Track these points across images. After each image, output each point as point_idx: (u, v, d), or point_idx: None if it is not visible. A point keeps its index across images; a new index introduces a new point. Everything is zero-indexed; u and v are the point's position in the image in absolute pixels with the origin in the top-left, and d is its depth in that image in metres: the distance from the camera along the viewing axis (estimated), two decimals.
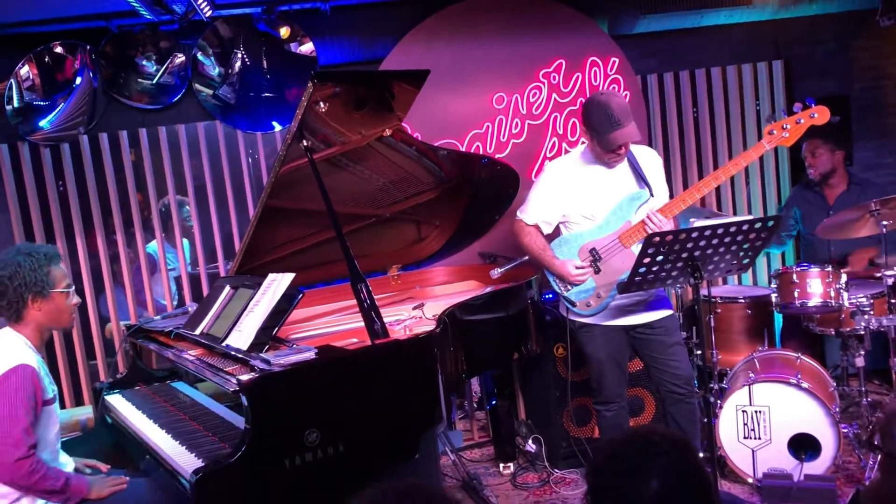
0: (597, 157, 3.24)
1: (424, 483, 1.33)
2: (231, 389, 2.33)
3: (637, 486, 1.41)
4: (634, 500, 1.41)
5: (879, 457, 1.59)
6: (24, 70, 4.30)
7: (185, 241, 4.80)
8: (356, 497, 1.28)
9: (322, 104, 2.87)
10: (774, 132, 3.18)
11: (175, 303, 4.71)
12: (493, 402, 4.39)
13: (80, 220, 4.53)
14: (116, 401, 3.24)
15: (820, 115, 3.15)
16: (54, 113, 4.36)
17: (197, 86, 4.53)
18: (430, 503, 1.28)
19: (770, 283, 4.10)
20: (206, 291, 4.48)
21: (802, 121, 3.16)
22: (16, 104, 4.30)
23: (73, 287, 2.73)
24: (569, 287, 3.30)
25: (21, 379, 2.46)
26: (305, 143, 2.91)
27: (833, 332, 4.00)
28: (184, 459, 2.44)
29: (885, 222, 3.68)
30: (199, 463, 2.36)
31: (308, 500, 2.33)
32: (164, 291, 4.71)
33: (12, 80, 4.27)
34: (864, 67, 5.32)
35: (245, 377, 2.32)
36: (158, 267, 4.68)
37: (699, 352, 4.05)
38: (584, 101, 3.29)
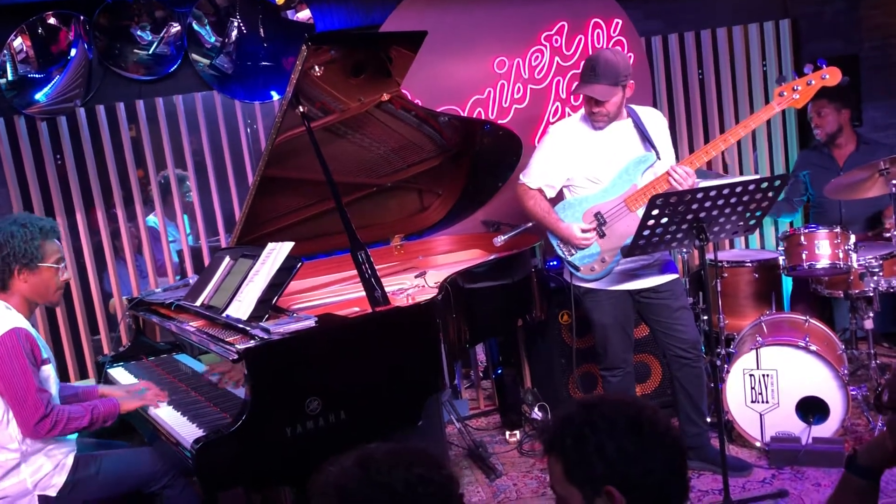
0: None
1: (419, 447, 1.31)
2: (231, 358, 2.31)
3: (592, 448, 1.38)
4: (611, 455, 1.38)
5: (889, 416, 1.56)
6: (18, 42, 4.23)
7: (185, 216, 4.76)
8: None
9: (318, 69, 2.82)
10: (785, 94, 3.12)
11: (178, 276, 4.68)
12: (499, 371, 4.38)
13: (79, 194, 4.48)
14: (119, 374, 3.24)
15: (832, 76, 3.09)
16: (50, 85, 4.30)
17: (193, 56, 4.45)
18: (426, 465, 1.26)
19: (777, 246, 4.05)
20: (207, 264, 4.45)
21: (813, 82, 3.10)
22: (10, 77, 4.23)
23: (64, 263, 2.72)
24: (573, 251, 3.26)
25: (17, 341, 2.46)
26: (302, 110, 2.86)
27: (842, 295, 3.96)
28: (185, 430, 2.43)
29: (894, 181, 3.61)
30: (200, 433, 2.35)
31: (310, 468, 2.30)
32: (165, 264, 4.68)
33: (6, 53, 4.21)
34: (874, 26, 5.19)
35: (244, 346, 2.30)
36: (160, 239, 4.65)
37: (706, 317, 4.01)
38: None
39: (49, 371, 2.59)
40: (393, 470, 1.23)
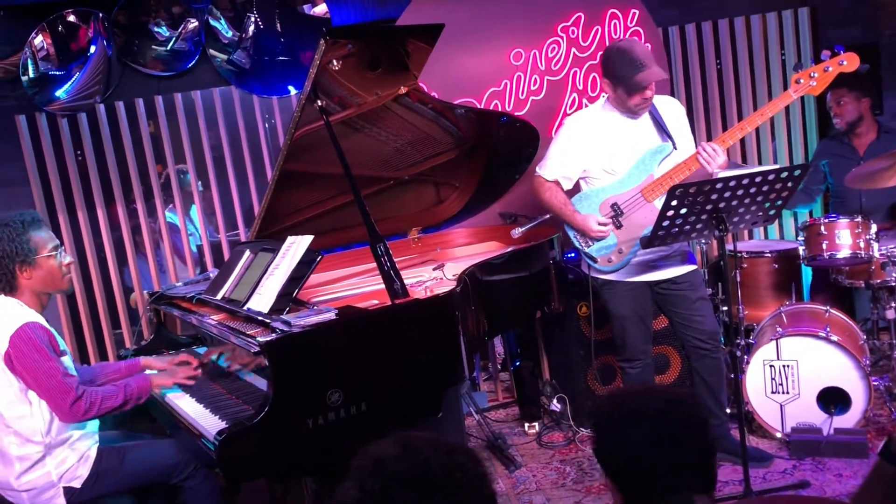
0: (621, 108, 3.17)
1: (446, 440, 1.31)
2: (253, 351, 2.33)
3: (636, 431, 1.42)
4: (634, 445, 1.42)
5: None
6: (38, 40, 4.28)
7: (193, 206, 4.80)
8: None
9: (335, 63, 2.83)
10: (802, 81, 3.09)
11: (198, 270, 4.72)
12: (518, 363, 4.39)
13: (100, 190, 4.54)
14: None
15: (849, 62, 3.05)
16: (70, 82, 4.35)
17: (211, 51, 4.48)
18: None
19: (797, 236, 4.02)
20: (227, 258, 4.48)
21: (831, 69, 3.06)
22: (31, 75, 4.28)
23: (61, 247, 2.71)
24: (590, 243, 3.25)
25: (33, 333, 2.49)
26: (320, 104, 2.87)
27: (863, 285, 3.92)
28: (208, 422, 2.46)
29: None
30: (222, 425, 2.37)
31: (331, 460, 2.33)
32: (185, 258, 4.73)
33: (27, 51, 4.26)
34: (894, 13, 5.13)
35: (266, 338, 2.32)
36: (179, 234, 4.69)
37: (725, 308, 3.99)
38: (602, 53, 3.22)
39: (68, 363, 2.62)
40: (434, 453, 1.23)
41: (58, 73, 4.33)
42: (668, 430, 1.41)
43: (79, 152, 4.52)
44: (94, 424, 2.69)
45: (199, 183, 4.79)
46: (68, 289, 2.82)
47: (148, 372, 2.89)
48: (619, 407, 1.47)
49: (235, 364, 2.70)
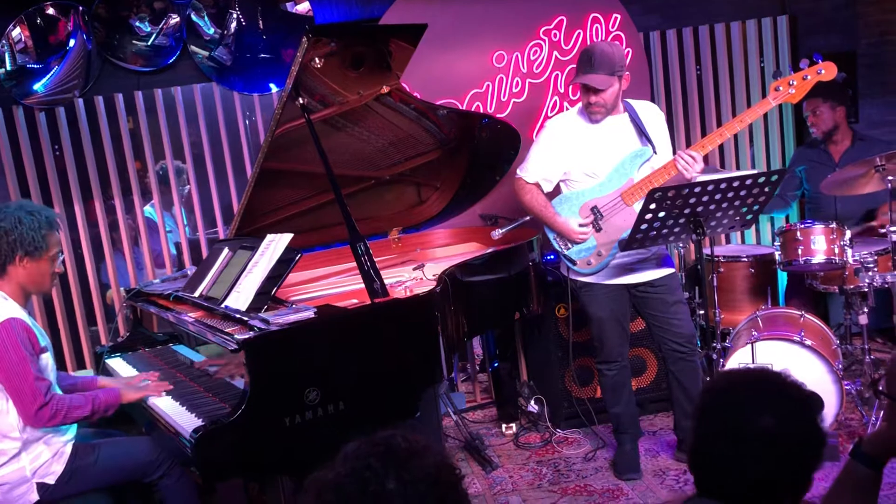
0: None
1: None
2: (230, 349, 2.33)
3: (750, 417, 1.43)
4: (743, 428, 1.43)
5: (886, 404, 1.57)
6: (16, 32, 4.23)
7: (182, 208, 4.77)
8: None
9: (318, 61, 2.83)
10: (780, 88, 3.13)
11: (175, 267, 4.69)
12: (496, 364, 4.40)
13: (77, 185, 4.49)
14: (117, 364, 3.25)
15: (827, 71, 3.10)
16: (48, 76, 4.30)
17: (192, 47, 4.45)
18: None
19: (773, 241, 4.07)
20: (205, 256, 4.45)
21: (809, 77, 3.11)
22: (9, 67, 4.23)
23: (62, 257, 2.73)
24: (569, 245, 3.27)
25: (13, 331, 2.47)
26: (301, 101, 2.87)
27: (837, 290, 3.97)
28: (184, 419, 2.45)
29: (890, 178, 3.62)
30: (199, 422, 2.36)
31: (308, 459, 2.32)
32: (162, 255, 4.69)
33: (4, 43, 4.21)
34: (872, 22, 5.20)
35: (243, 336, 2.32)
36: (157, 230, 4.65)
37: (702, 311, 4.03)
38: None
39: (47, 359, 2.60)
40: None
41: (36, 66, 4.28)
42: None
43: (56, 147, 4.46)
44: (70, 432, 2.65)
45: (187, 187, 4.74)
46: (48, 292, 2.84)
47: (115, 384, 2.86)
48: (722, 404, 1.48)
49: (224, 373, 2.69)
